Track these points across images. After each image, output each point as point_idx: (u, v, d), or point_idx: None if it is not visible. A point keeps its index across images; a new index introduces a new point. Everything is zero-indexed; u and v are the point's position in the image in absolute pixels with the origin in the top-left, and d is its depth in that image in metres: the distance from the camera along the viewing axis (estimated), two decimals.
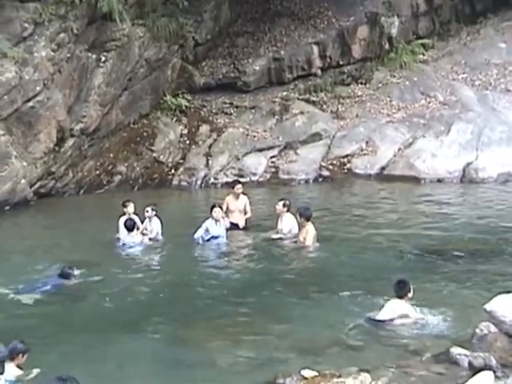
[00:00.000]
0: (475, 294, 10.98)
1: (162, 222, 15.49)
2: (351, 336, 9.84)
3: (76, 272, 12.81)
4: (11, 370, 8.58)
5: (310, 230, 14.71)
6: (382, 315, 10.24)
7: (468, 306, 10.57)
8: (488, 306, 8.15)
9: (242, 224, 16.15)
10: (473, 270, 12.80)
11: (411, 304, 10.33)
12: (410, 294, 10.29)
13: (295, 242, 14.92)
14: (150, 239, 15.31)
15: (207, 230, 15.11)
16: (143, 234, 15.30)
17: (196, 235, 15.13)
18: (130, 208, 15.51)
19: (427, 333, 9.85)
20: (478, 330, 8.32)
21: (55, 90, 19.53)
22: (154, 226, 15.43)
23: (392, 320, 10.13)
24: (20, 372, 8.61)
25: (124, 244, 15.03)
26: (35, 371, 8.65)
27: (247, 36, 25.94)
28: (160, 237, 15.44)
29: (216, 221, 15.14)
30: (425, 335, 9.78)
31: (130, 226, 15.02)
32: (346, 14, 25.97)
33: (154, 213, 15.48)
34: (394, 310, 10.19)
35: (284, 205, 15.43)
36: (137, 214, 15.57)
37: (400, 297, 10.27)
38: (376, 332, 9.99)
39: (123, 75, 21.64)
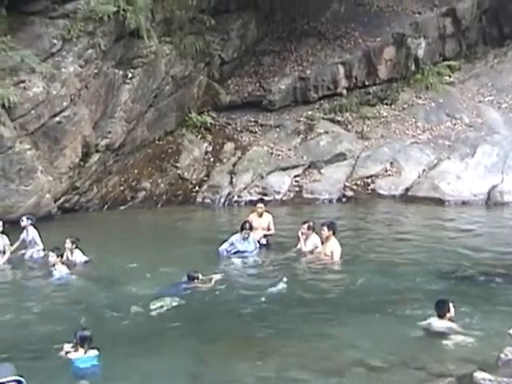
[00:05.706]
0: (501, 318, 10.84)
1: (83, 252, 14.98)
2: (374, 357, 9.74)
3: (200, 276, 13.25)
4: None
5: (336, 245, 14.75)
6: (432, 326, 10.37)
7: (493, 330, 10.44)
8: None
9: (264, 241, 16.14)
10: (499, 294, 12.68)
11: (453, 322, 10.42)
12: (450, 314, 10.35)
13: (318, 257, 14.94)
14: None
15: (232, 244, 15.19)
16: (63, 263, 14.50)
17: (221, 248, 15.26)
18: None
19: (451, 355, 9.75)
20: (502, 355, 8.21)
21: (82, 105, 19.67)
22: (75, 258, 14.87)
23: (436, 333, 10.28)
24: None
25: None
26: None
27: (273, 55, 26.08)
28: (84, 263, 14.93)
29: (244, 238, 15.17)
30: (449, 358, 9.67)
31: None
32: (372, 34, 26.06)
33: (75, 245, 14.90)
34: (436, 326, 10.30)
35: (309, 227, 15.39)
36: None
37: (440, 316, 10.35)
38: (399, 353, 9.89)
39: (149, 92, 21.76)
